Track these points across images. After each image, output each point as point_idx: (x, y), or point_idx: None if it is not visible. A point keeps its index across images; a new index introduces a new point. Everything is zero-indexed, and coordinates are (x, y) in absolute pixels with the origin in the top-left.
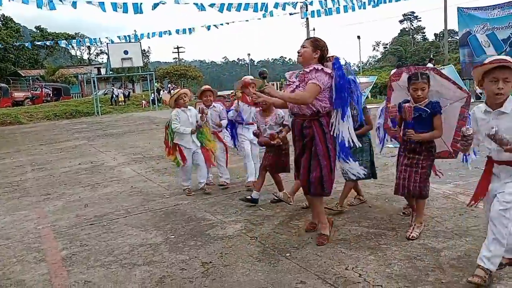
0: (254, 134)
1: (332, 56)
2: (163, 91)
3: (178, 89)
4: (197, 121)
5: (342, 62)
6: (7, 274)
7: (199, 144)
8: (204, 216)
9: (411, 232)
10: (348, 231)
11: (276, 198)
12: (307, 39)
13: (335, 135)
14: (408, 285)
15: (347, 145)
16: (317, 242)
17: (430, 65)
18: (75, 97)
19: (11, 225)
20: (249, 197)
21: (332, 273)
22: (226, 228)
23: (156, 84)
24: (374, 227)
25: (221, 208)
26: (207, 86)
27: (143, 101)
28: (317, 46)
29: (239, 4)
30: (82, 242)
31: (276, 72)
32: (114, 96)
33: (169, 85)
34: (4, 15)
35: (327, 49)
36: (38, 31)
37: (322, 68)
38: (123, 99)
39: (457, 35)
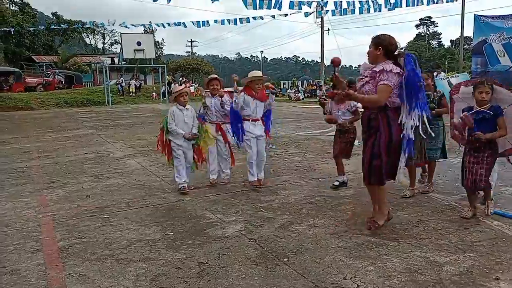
0: (327, 120)
1: (404, 52)
2: (174, 84)
3: (181, 87)
4: (191, 131)
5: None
6: (3, 262)
7: (190, 146)
8: (205, 214)
9: (466, 212)
10: (349, 239)
11: (339, 182)
12: (372, 38)
13: (403, 128)
14: None
15: (412, 138)
16: (366, 226)
17: (442, 74)
18: (87, 85)
19: (12, 212)
20: (337, 183)
21: (329, 281)
22: (225, 228)
23: (167, 77)
24: (376, 236)
25: (222, 207)
26: (214, 75)
27: (154, 93)
28: (378, 44)
29: (254, 1)
30: (80, 234)
31: (289, 71)
32: (120, 86)
33: (180, 79)
34: (22, 0)
35: (393, 44)
36: (54, 17)
37: (391, 70)
38: (134, 90)
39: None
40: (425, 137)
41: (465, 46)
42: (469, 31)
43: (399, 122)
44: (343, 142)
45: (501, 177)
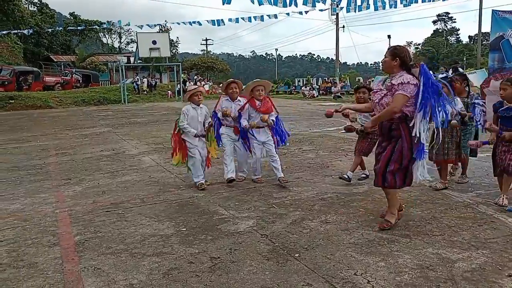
0: (347, 129)
1: (419, 63)
2: (190, 82)
3: (195, 86)
4: (204, 126)
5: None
6: (21, 256)
7: (204, 145)
8: (217, 210)
9: (502, 201)
10: (361, 235)
11: (365, 175)
12: (388, 49)
13: (416, 135)
14: None
15: (423, 142)
16: (379, 226)
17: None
18: (104, 84)
19: (30, 207)
20: (364, 175)
21: (340, 277)
22: (238, 223)
23: (182, 75)
24: (387, 233)
25: (234, 203)
26: (232, 79)
27: (169, 92)
28: (395, 54)
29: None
30: (96, 229)
31: (304, 69)
32: (136, 85)
33: (195, 77)
34: (41, 1)
35: (409, 55)
36: (71, 17)
37: (408, 81)
38: (146, 88)
39: None
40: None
41: (484, 42)
42: (487, 27)
43: (413, 126)
44: (367, 143)
45: None
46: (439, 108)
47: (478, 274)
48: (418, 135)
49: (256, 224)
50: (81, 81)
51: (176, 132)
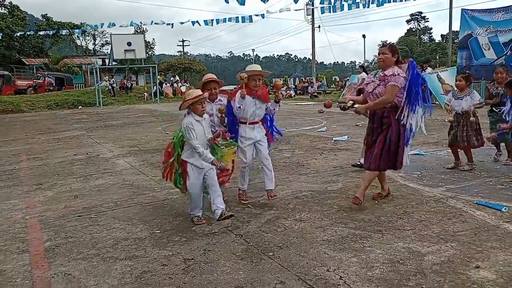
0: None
1: (408, 59)
2: (166, 84)
3: (197, 91)
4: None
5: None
6: None
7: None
8: None
9: None
10: (334, 232)
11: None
12: (384, 46)
13: (406, 124)
14: None
15: (414, 130)
16: (373, 197)
17: (429, 69)
18: (78, 87)
19: None
20: (358, 163)
21: (313, 274)
22: (212, 224)
23: (158, 77)
24: (360, 229)
25: (210, 204)
26: (211, 75)
27: (145, 94)
28: (395, 51)
29: None
30: (67, 234)
31: (282, 69)
32: (112, 87)
33: (172, 78)
34: (11, 3)
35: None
36: (44, 19)
37: (399, 73)
38: (110, 89)
39: None
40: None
41: (456, 40)
42: (458, 26)
43: (401, 119)
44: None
45: (486, 168)
46: (421, 101)
47: (447, 266)
48: (407, 123)
49: (230, 224)
50: (54, 84)
51: (170, 150)
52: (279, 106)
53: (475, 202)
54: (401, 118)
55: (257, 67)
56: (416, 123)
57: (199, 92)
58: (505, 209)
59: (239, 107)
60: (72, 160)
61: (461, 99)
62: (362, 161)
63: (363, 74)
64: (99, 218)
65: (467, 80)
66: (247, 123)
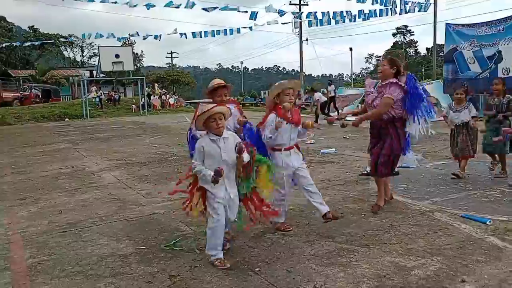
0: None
1: (406, 71)
2: (154, 96)
3: (210, 105)
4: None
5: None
6: None
7: (236, 193)
8: (179, 226)
9: None
10: (321, 246)
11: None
12: (384, 58)
13: (406, 133)
14: None
15: (417, 138)
16: (371, 209)
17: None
18: (65, 99)
19: None
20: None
21: None
22: (199, 239)
23: (147, 89)
24: (347, 243)
25: (197, 219)
26: (218, 80)
27: (133, 106)
28: (394, 63)
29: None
30: (51, 251)
31: (270, 81)
32: (99, 99)
33: (159, 91)
34: None
35: (403, 64)
36: (31, 31)
37: (396, 82)
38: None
39: None
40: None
41: (441, 54)
42: (443, 40)
43: (405, 130)
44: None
45: (471, 181)
46: (423, 112)
47: (433, 281)
48: (409, 133)
49: None
50: (40, 96)
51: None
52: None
53: (460, 215)
54: (405, 128)
55: (288, 81)
56: (416, 131)
57: (211, 105)
58: (490, 222)
59: (271, 137)
60: (57, 174)
61: (460, 112)
62: (368, 169)
63: (318, 94)
64: (84, 234)
65: (467, 93)
66: (282, 149)
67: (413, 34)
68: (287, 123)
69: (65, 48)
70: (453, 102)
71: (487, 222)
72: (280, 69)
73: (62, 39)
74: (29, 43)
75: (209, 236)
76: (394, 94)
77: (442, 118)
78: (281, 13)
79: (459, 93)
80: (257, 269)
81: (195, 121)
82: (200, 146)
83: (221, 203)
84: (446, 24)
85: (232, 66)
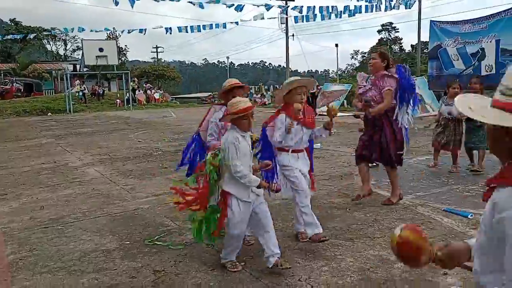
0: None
1: (394, 64)
2: (139, 90)
3: (244, 99)
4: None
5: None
6: None
7: (262, 195)
8: (163, 221)
9: None
10: (306, 240)
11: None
12: (375, 52)
13: (399, 124)
14: None
15: (407, 128)
16: (382, 202)
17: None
18: (48, 93)
19: None
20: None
21: (284, 284)
22: (184, 234)
23: (132, 83)
24: (332, 237)
25: (181, 214)
26: (234, 80)
27: (118, 100)
28: (384, 57)
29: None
30: (32, 247)
31: (256, 76)
32: (83, 93)
33: (144, 85)
34: None
35: (391, 58)
36: (12, 23)
37: (390, 74)
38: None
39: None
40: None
41: (425, 50)
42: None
43: (395, 118)
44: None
45: (453, 176)
46: (411, 103)
47: (415, 274)
48: (401, 122)
49: None
50: (22, 90)
51: (205, 179)
52: (331, 133)
53: (443, 209)
54: (395, 117)
55: (300, 78)
56: (408, 121)
57: (246, 103)
58: (471, 216)
59: (281, 141)
60: (39, 169)
61: (451, 106)
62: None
63: None
64: (66, 229)
65: (461, 88)
66: (290, 151)
67: (398, 31)
68: (297, 125)
69: (48, 42)
70: (446, 96)
71: (469, 216)
72: (266, 64)
73: (45, 33)
74: (11, 36)
75: (228, 241)
76: (392, 85)
77: (425, 114)
78: (268, 7)
79: (456, 88)
80: (242, 263)
81: (227, 115)
82: (236, 141)
83: (248, 206)
84: (431, 21)
85: (218, 61)
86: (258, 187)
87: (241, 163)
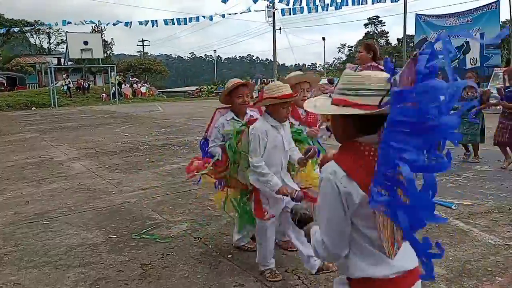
0: None
1: (383, 57)
2: (125, 84)
3: (284, 85)
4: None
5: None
6: None
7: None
8: (151, 215)
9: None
10: None
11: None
12: (361, 45)
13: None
14: None
15: None
16: None
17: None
18: (32, 87)
19: None
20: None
21: None
22: (171, 228)
23: (118, 77)
24: None
25: (168, 207)
26: (238, 80)
27: (104, 94)
28: (370, 48)
29: None
30: (17, 242)
31: (244, 70)
32: (68, 87)
33: (131, 79)
34: None
35: (378, 50)
36: None
37: (377, 66)
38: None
39: None
40: None
41: (411, 44)
42: (413, 30)
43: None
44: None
45: None
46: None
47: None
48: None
49: (189, 228)
50: (5, 84)
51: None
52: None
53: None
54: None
55: (302, 73)
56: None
57: (289, 89)
58: (455, 206)
59: None
60: (23, 164)
61: None
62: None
63: None
64: (52, 224)
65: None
66: None
67: (384, 25)
68: (299, 124)
69: (31, 35)
70: None
71: (452, 207)
72: (253, 58)
73: (28, 27)
74: None
75: (261, 244)
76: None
77: None
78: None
79: (469, 76)
80: (230, 256)
81: (264, 99)
82: (262, 134)
83: (280, 203)
84: (416, 14)
85: (205, 55)
86: (277, 192)
87: (262, 159)
